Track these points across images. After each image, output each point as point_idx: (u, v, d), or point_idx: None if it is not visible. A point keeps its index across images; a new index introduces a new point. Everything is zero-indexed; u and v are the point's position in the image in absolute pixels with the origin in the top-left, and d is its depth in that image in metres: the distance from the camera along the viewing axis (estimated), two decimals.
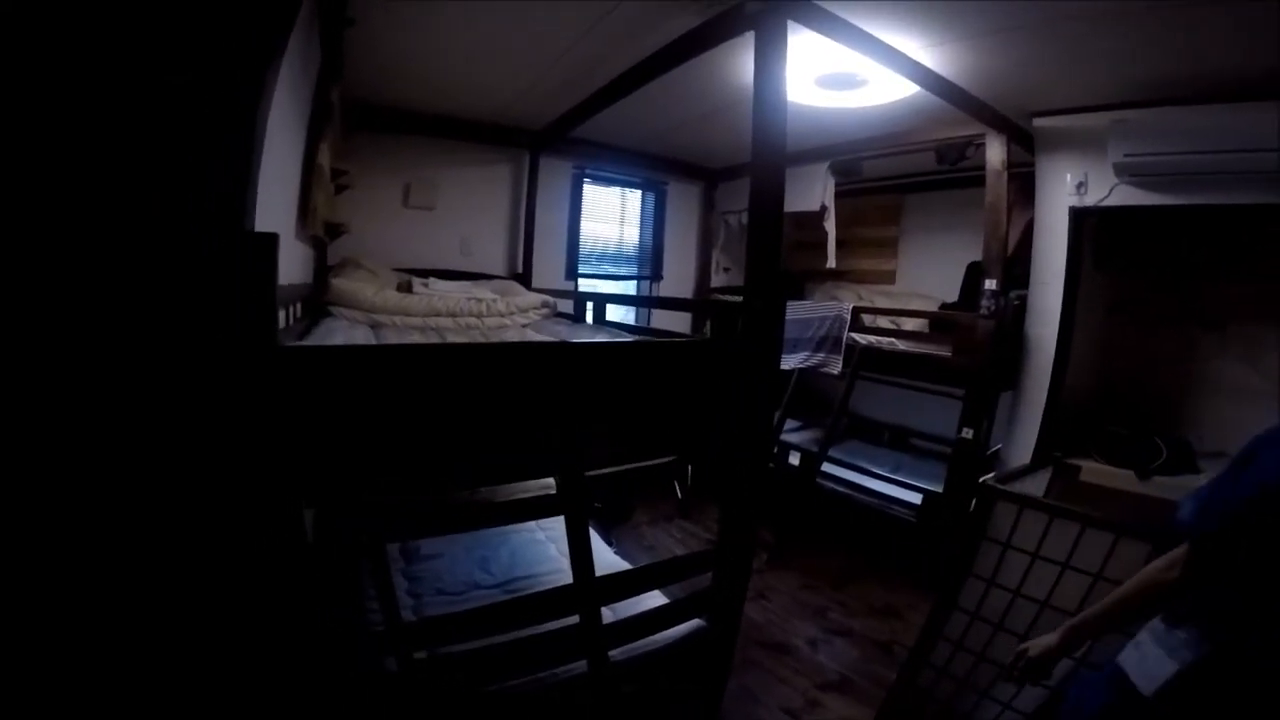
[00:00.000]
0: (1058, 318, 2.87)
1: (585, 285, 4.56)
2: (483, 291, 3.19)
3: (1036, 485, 2.52)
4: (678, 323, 4.48)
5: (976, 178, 3.18)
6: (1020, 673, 1.34)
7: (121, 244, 1.01)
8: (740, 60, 2.37)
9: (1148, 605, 1.17)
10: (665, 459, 2.17)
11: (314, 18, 1.89)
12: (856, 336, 3.61)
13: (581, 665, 1.80)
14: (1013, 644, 1.90)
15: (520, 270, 4.12)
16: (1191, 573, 1.10)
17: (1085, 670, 1.49)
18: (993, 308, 2.98)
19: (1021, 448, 2.96)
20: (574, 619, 1.77)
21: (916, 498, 3.30)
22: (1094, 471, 2.63)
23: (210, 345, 1.03)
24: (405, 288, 3.11)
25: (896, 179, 4.39)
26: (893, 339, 3.57)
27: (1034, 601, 1.86)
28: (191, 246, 1.03)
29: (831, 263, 4.08)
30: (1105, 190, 2.70)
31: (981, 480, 2.18)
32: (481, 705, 1.67)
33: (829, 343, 3.63)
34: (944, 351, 3.27)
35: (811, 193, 3.97)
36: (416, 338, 2.50)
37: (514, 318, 3.00)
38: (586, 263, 4.59)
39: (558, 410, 1.53)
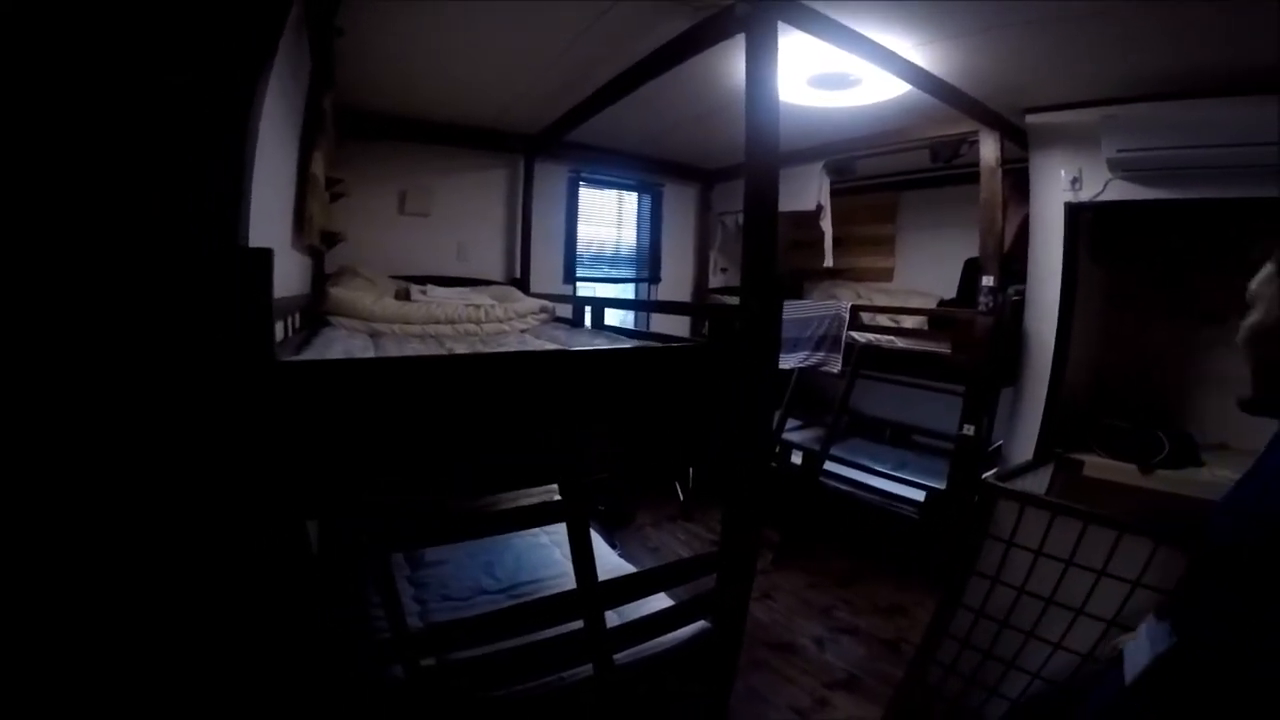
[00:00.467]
0: (1056, 313, 2.88)
1: (583, 288, 4.57)
2: (481, 298, 3.19)
3: (1039, 481, 2.52)
4: (677, 325, 4.48)
5: (971, 174, 3.19)
6: None
7: (118, 254, 1.01)
8: (733, 62, 2.38)
9: None
10: (667, 462, 2.17)
11: (302, 25, 1.89)
12: (856, 335, 3.61)
13: (587, 669, 1.80)
14: (1018, 641, 1.91)
15: (518, 275, 4.12)
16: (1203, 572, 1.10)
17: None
18: (991, 304, 2.99)
19: (1023, 443, 2.96)
20: (579, 623, 1.77)
21: (920, 495, 3.30)
22: (1096, 466, 2.63)
23: (208, 361, 1.03)
24: (403, 295, 3.11)
25: (892, 177, 4.39)
26: (892, 337, 3.57)
27: (1039, 599, 1.86)
28: (187, 257, 1.03)
29: (829, 261, 4.08)
30: (1099, 185, 2.70)
31: (983, 477, 2.18)
32: (488, 711, 1.67)
33: (828, 341, 3.64)
34: (943, 348, 3.27)
35: (807, 192, 3.98)
36: (416, 346, 2.50)
37: (513, 323, 3.00)
38: (584, 266, 4.59)
39: (559, 417, 1.54)
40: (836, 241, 4.13)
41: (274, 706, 1.29)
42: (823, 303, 3.89)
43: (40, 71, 0.96)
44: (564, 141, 3.77)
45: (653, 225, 4.89)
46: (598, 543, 2.25)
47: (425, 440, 1.34)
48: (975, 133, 3.04)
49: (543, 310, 3.22)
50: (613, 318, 3.60)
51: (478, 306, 2.96)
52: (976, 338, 3.05)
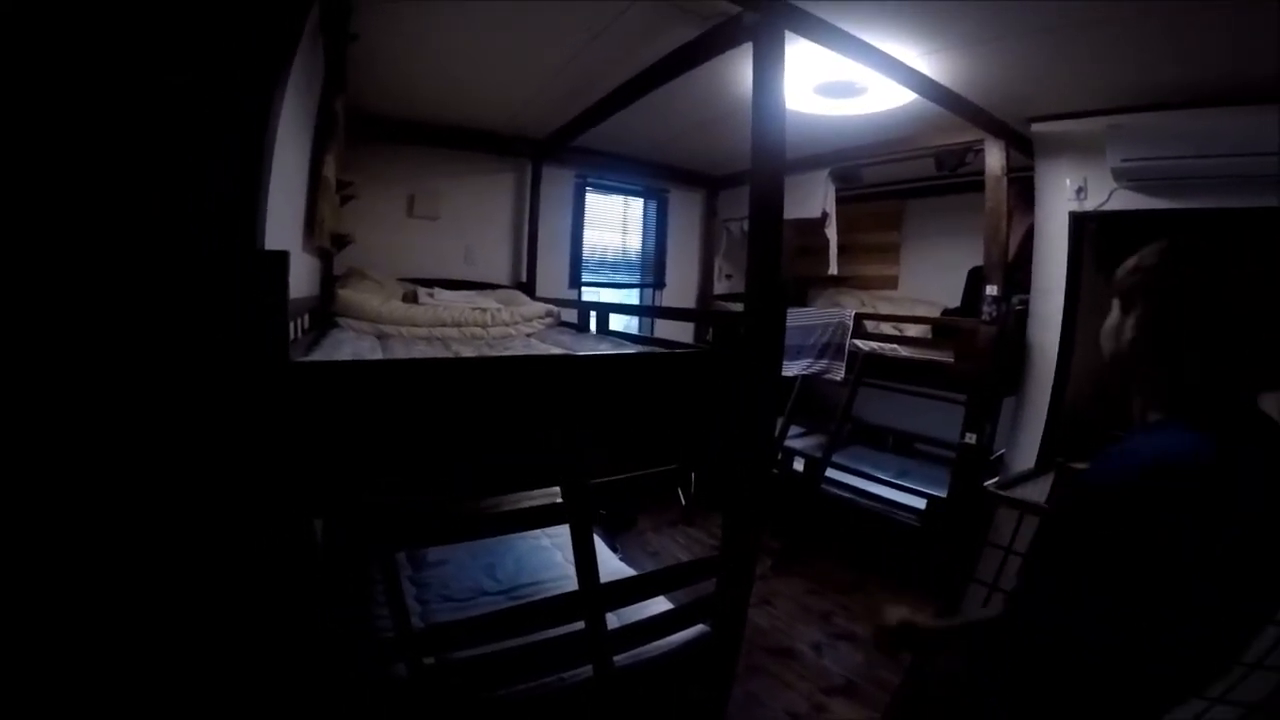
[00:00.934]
0: (1059, 322, 2.89)
1: (588, 293, 4.59)
2: (487, 301, 3.22)
3: (1039, 489, 2.52)
4: (681, 331, 4.49)
5: (976, 183, 3.20)
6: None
7: (135, 254, 1.04)
8: (741, 69, 2.40)
9: None
10: (669, 467, 2.18)
11: (318, 31, 1.92)
12: (859, 343, 3.62)
13: (587, 670, 1.81)
14: None
15: (524, 279, 4.14)
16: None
17: None
18: (994, 313, 2.99)
19: (1025, 452, 2.97)
20: (579, 625, 1.78)
21: (921, 503, 3.31)
22: None
23: (224, 361, 1.05)
24: (410, 298, 3.14)
25: (897, 185, 4.40)
26: (895, 345, 3.58)
27: None
28: (206, 259, 1.06)
29: (833, 269, 4.10)
30: (1104, 195, 2.71)
31: (984, 485, 2.19)
32: (488, 711, 1.69)
33: (831, 349, 3.65)
34: (946, 357, 3.28)
35: (813, 199, 3.99)
36: (422, 348, 2.52)
37: (518, 327, 3.02)
38: (590, 271, 4.62)
39: (563, 420, 1.55)
40: (841, 249, 4.14)
41: (278, 703, 1.31)
42: (827, 310, 3.90)
43: (75, 80, 0.99)
44: (571, 147, 3.80)
45: (658, 231, 4.91)
46: (599, 546, 2.27)
47: (432, 441, 1.36)
48: (980, 141, 3.05)
49: (548, 314, 3.24)
50: (617, 323, 3.61)
51: (484, 310, 2.98)
52: (979, 347, 3.05)
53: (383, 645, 1.73)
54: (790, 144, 1.92)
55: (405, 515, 1.62)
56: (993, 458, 3.20)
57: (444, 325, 2.81)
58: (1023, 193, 3.13)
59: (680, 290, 5.05)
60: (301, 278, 2.19)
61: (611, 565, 2.61)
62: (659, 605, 2.15)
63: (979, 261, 3.24)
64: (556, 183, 4.26)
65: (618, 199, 4.74)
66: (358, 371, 1.34)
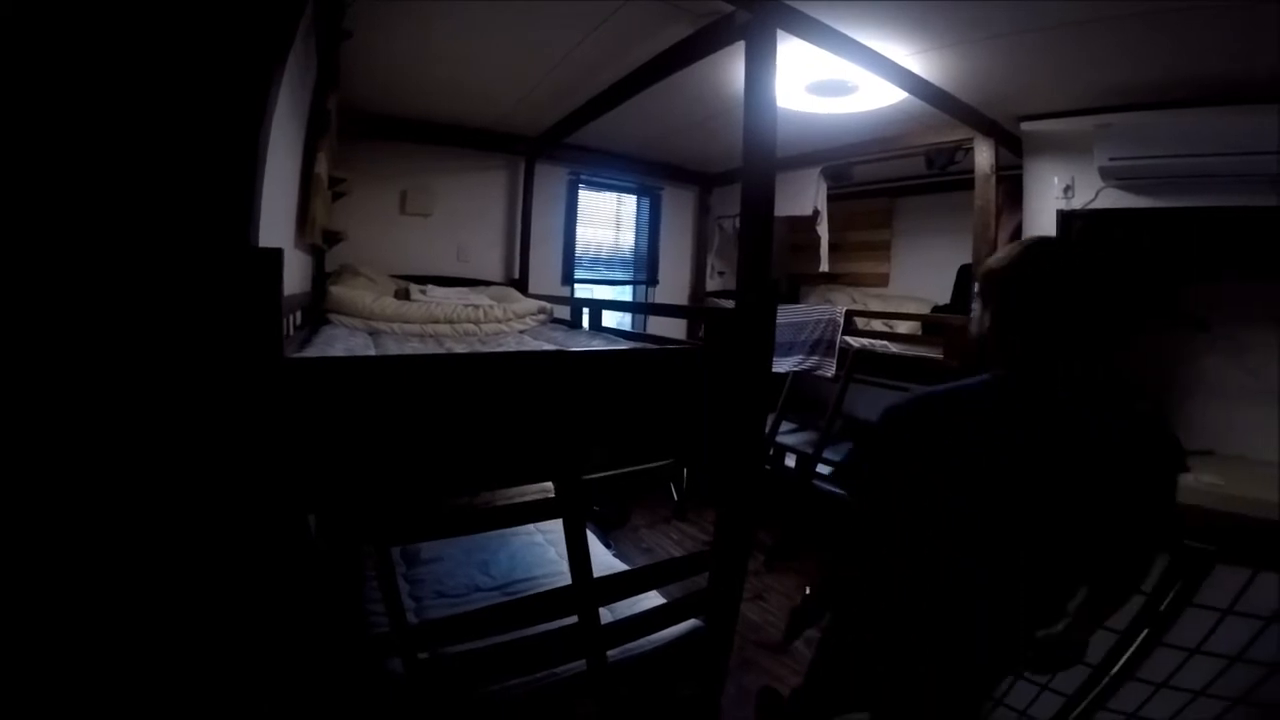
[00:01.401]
0: None
1: (581, 290, 4.59)
2: (480, 298, 3.22)
3: None
4: (674, 327, 4.51)
5: (966, 181, 3.22)
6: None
7: (129, 251, 1.04)
8: (733, 67, 2.41)
9: None
10: (662, 462, 2.20)
11: (311, 28, 1.92)
12: (850, 339, 3.64)
13: (580, 665, 1.82)
14: None
15: (517, 276, 4.15)
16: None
17: None
18: None
19: None
20: (573, 619, 1.79)
21: None
22: None
23: (219, 357, 1.06)
24: (403, 294, 3.14)
25: (888, 183, 4.44)
26: (886, 342, 3.60)
27: None
28: (202, 256, 1.06)
29: (825, 266, 4.12)
30: (1091, 193, 2.74)
31: None
32: (482, 706, 1.70)
33: (823, 346, 3.67)
34: (936, 354, 3.31)
35: (804, 197, 4.01)
36: (415, 344, 2.53)
37: (511, 324, 3.03)
38: (582, 267, 4.62)
39: (556, 416, 1.56)
40: (833, 247, 4.17)
41: (274, 698, 1.32)
42: (818, 307, 3.92)
43: (68, 77, 0.99)
44: (564, 144, 3.80)
45: (651, 228, 4.92)
46: (592, 542, 2.28)
47: (425, 437, 1.37)
48: (970, 140, 3.07)
49: (541, 311, 3.25)
50: (610, 319, 3.63)
51: (476, 307, 2.98)
52: (968, 344, 3.08)
53: (377, 640, 1.74)
54: (782, 142, 1.94)
55: (399, 510, 1.63)
56: None
57: (437, 322, 2.81)
58: (1011, 191, 3.15)
59: (673, 287, 5.06)
60: (294, 274, 2.19)
61: (605, 560, 2.62)
62: (652, 600, 2.16)
63: (969, 259, 3.27)
64: (549, 179, 4.26)
65: (610, 196, 4.75)
66: (351, 368, 1.34)
